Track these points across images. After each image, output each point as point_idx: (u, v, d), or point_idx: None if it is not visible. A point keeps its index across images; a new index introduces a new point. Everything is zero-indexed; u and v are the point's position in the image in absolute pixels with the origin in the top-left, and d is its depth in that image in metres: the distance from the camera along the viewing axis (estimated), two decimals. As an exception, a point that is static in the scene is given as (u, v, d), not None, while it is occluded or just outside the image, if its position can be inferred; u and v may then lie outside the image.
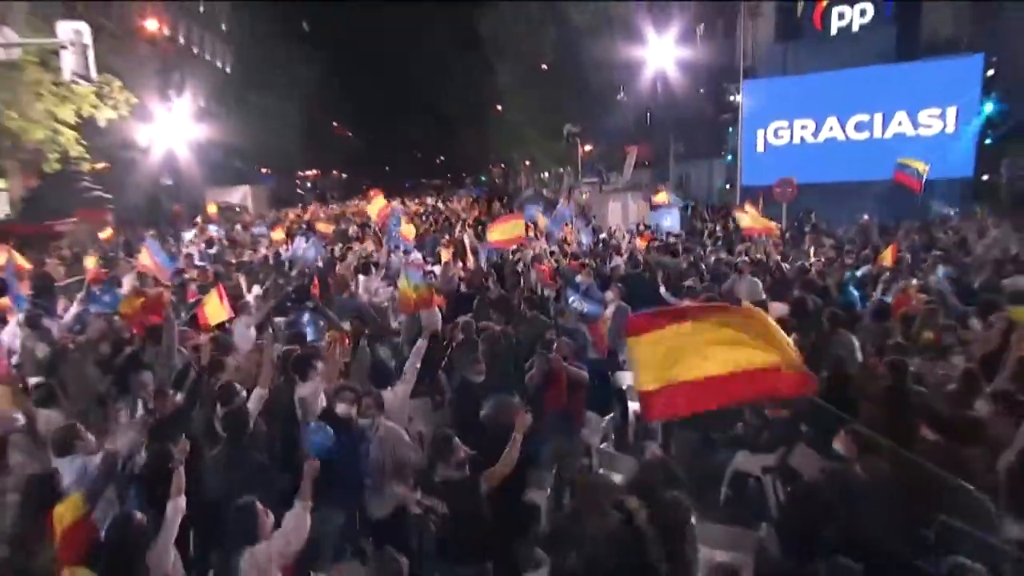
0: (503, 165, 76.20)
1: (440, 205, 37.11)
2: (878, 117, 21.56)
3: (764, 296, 8.98)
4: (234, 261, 13.58)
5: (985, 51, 19.25)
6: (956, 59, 20.27)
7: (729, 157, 25.44)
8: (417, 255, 13.83)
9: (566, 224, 15.89)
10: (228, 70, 49.57)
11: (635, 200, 23.35)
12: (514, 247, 13.23)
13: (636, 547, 3.28)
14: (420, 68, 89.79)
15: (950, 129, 20.23)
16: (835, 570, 3.28)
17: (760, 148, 23.87)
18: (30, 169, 22.44)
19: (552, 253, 13.46)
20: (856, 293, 9.14)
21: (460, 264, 12.80)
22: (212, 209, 26.78)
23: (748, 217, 13.06)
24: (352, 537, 4.79)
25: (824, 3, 24.07)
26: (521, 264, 12.18)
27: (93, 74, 12.29)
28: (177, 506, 3.77)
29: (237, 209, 31.00)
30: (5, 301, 8.46)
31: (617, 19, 24.29)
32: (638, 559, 3.27)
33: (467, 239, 14.76)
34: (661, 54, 26.28)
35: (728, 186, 24.60)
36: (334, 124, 74.51)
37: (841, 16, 23.61)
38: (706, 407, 4.09)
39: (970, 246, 12.15)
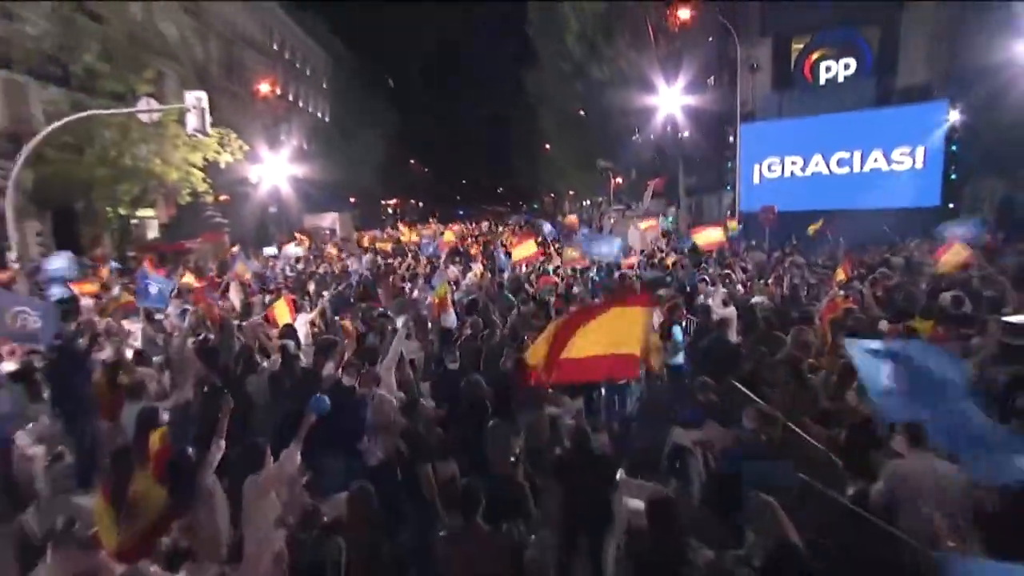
0: (552, 194, 76.65)
1: (493, 228, 38.03)
2: (857, 154, 21.22)
3: (722, 303, 9.03)
4: (311, 270, 14.60)
5: (948, 98, 18.81)
6: (923, 105, 19.84)
7: (728, 187, 25.29)
8: (453, 269, 14.53)
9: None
10: (326, 118, 50.54)
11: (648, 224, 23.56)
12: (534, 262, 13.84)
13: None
14: (482, 115, 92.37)
15: (919, 165, 19.84)
16: (754, 502, 3.44)
17: (756, 180, 23.68)
18: (169, 202, 23.69)
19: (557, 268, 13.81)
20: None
21: (487, 276, 13.39)
22: (300, 234, 27.36)
23: (702, 237, 13.33)
24: (353, 478, 5.33)
25: (813, 58, 23.83)
26: (533, 275, 12.74)
27: (208, 129, 13.55)
28: (218, 444, 4.18)
29: (327, 231, 32.51)
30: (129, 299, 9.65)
31: (639, 75, 24.60)
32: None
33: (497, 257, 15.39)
34: (677, 102, 26.38)
35: (729, 213, 24.44)
36: (411, 161, 75.81)
37: (828, 69, 23.42)
38: (575, 380, 4.63)
39: (914, 265, 11.98)
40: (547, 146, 52.85)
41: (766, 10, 24.76)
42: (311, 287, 11.67)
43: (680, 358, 7.89)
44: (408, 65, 71.15)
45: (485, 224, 45.14)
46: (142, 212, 23.80)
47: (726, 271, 11.45)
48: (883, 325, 7.30)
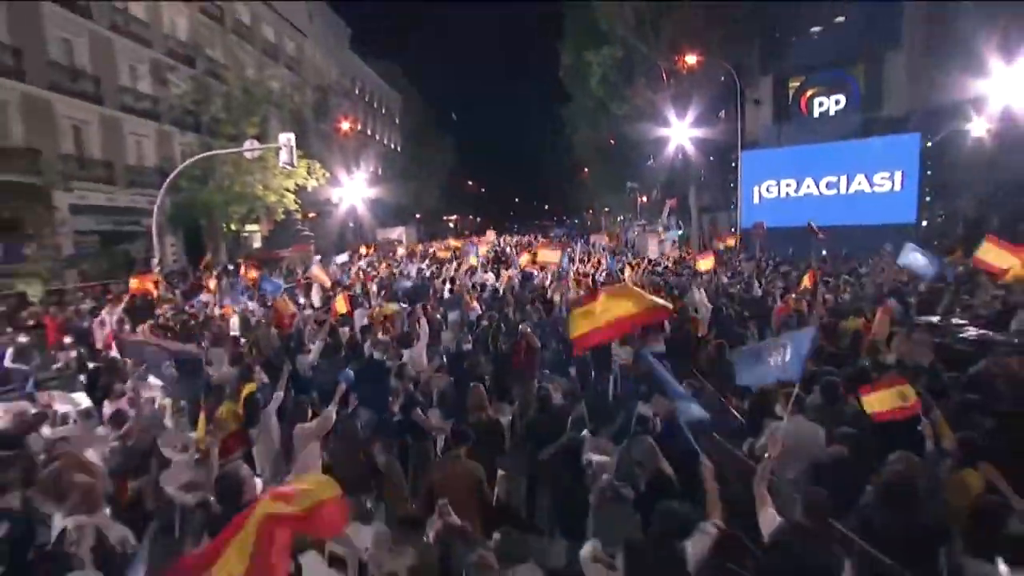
0: (591, 211, 76.72)
1: (534, 239, 38.51)
2: (843, 178, 20.90)
3: (706, 303, 9.28)
4: (373, 274, 15.62)
5: (922, 131, 18.34)
6: (901, 136, 19.44)
7: (732, 206, 25.15)
8: (490, 275, 15.17)
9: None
10: (397, 148, 51.50)
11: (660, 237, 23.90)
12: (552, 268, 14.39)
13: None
14: (529, 143, 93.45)
15: (897, 188, 19.43)
16: (641, 444, 3.87)
17: (756, 200, 23.53)
18: (269, 219, 24.97)
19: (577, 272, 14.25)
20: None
21: (515, 277, 13.87)
22: (366, 246, 27.39)
23: (701, 264, 13.55)
24: (382, 433, 5.34)
25: (808, 94, 23.55)
26: (550, 280, 13.28)
27: (295, 161, 14.90)
28: (277, 397, 4.74)
29: (395, 242, 33.79)
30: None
31: (653, 111, 24.71)
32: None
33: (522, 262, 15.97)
34: (689, 133, 26.39)
35: (732, 228, 24.34)
36: (469, 182, 77.18)
37: (821, 104, 23.23)
38: (611, 337, 5.14)
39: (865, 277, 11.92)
40: (585, 169, 53.08)
41: (766, 53, 24.60)
42: (372, 287, 12.64)
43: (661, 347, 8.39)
44: (468, 102, 72.52)
45: (528, 237, 45.73)
46: (249, 227, 25.42)
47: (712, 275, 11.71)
48: (813, 320, 7.64)
